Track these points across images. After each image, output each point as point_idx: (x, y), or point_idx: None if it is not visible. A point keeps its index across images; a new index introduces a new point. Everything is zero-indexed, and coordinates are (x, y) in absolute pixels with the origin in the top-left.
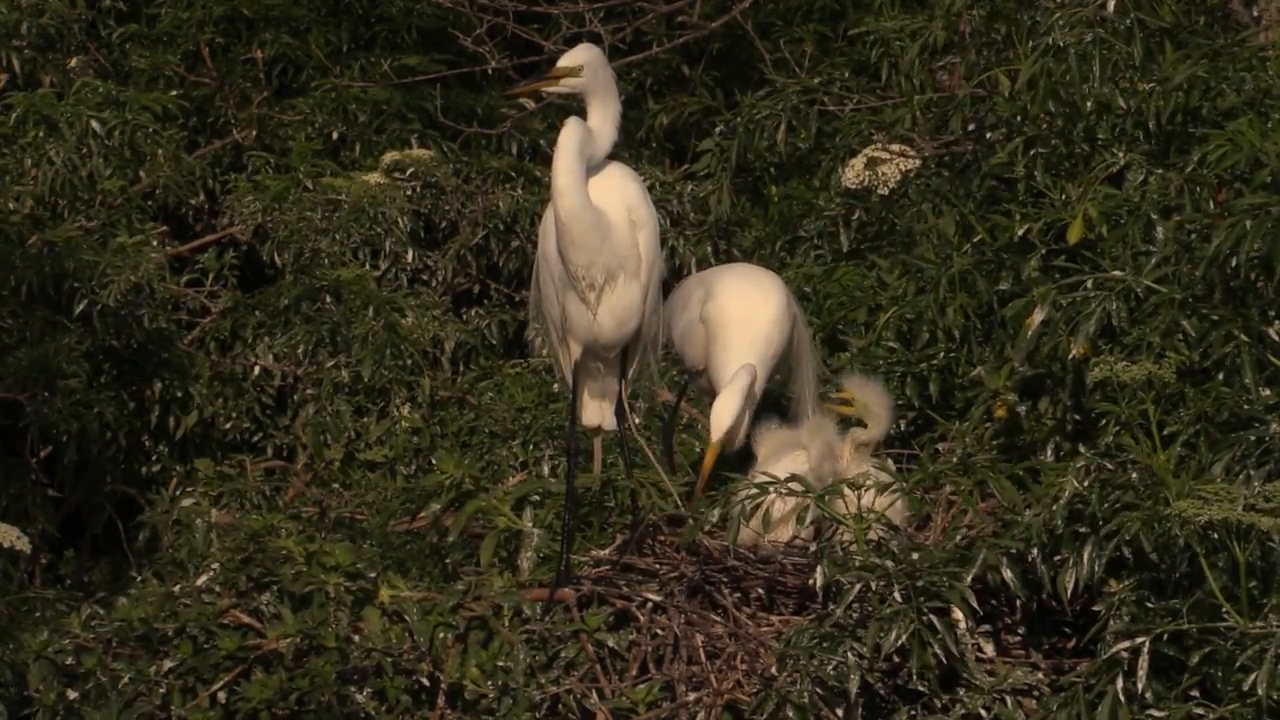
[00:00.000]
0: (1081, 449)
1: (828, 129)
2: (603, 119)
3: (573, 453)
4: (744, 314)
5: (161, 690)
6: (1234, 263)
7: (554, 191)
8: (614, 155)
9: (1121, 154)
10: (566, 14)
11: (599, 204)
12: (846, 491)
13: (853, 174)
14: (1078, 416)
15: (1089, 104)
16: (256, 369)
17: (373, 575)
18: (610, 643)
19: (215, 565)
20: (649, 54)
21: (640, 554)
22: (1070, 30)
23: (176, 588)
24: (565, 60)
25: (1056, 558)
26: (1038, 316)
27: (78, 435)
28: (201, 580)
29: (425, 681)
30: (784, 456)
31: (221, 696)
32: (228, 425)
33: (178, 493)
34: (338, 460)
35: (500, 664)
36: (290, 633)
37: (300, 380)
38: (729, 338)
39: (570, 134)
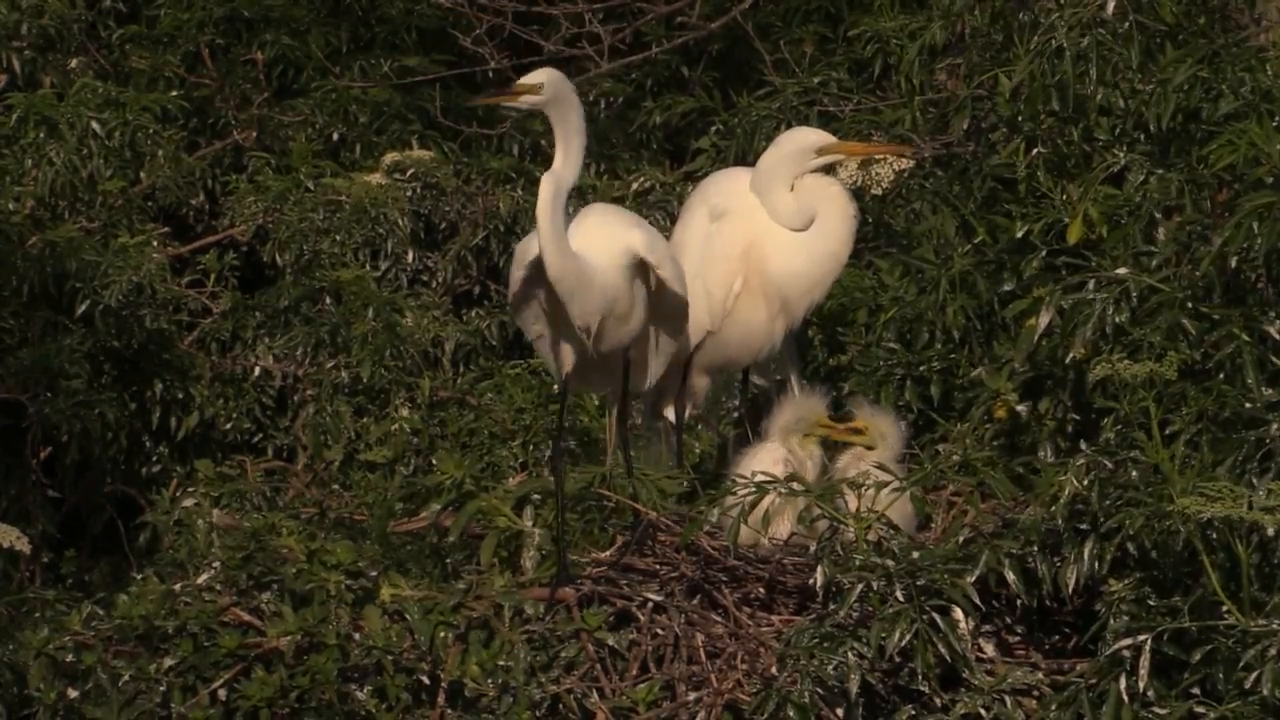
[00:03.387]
0: (1083, 445)
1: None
2: (566, 146)
3: (558, 454)
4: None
5: (162, 689)
6: (1234, 262)
7: (542, 252)
8: (613, 156)
9: (1122, 154)
10: (566, 15)
11: (587, 248)
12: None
13: (846, 174)
14: (1077, 417)
15: (1086, 105)
16: (257, 370)
17: (374, 574)
18: (610, 642)
19: (216, 564)
20: (648, 54)
21: (641, 554)
22: (1069, 32)
23: (178, 586)
24: (527, 78)
25: (1056, 558)
26: (1043, 319)
27: (79, 436)
28: (202, 579)
29: (426, 680)
30: (755, 455)
31: (222, 694)
32: (228, 426)
33: (178, 494)
34: (337, 461)
35: (501, 663)
36: (291, 630)
37: (300, 381)
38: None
39: (546, 192)
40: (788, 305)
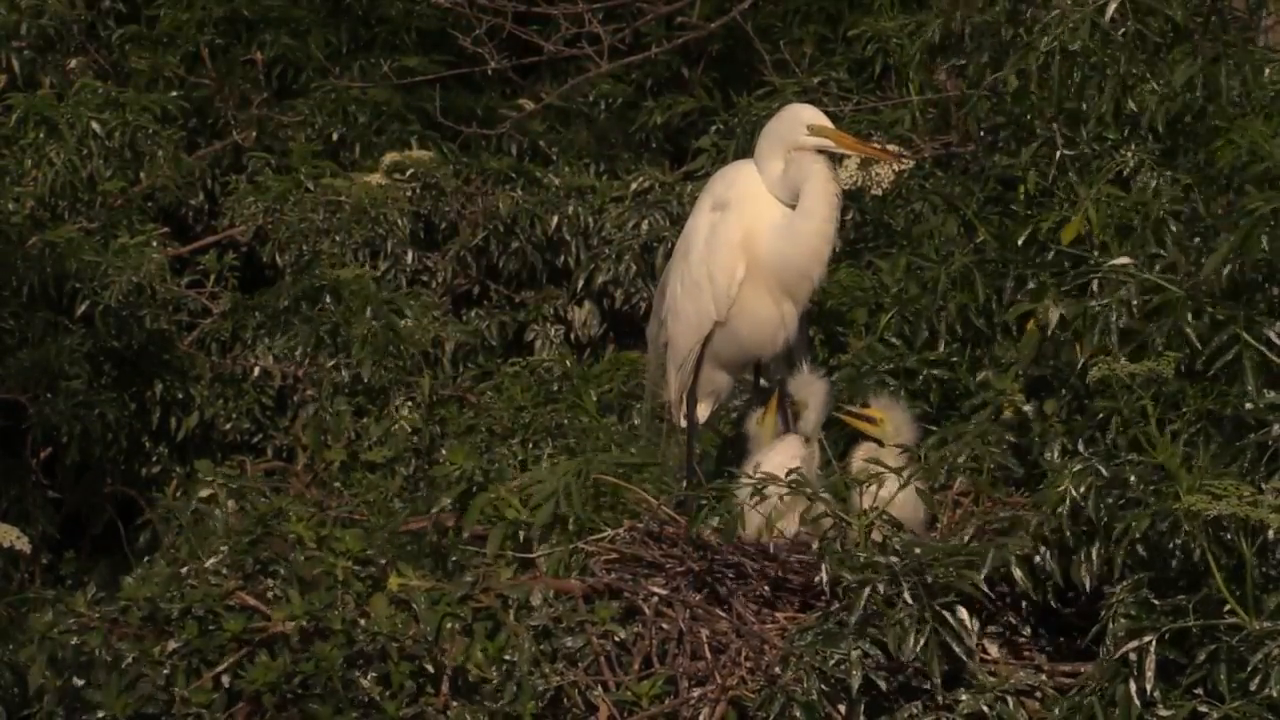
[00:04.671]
0: (1080, 448)
1: None
2: None
3: None
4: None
5: (165, 671)
6: (1240, 265)
7: None
8: (613, 156)
9: (1129, 155)
10: (566, 15)
11: None
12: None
13: (846, 174)
14: (1079, 417)
15: (1088, 107)
16: (256, 370)
17: (382, 562)
18: (620, 634)
19: (223, 548)
20: (648, 54)
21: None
22: (1071, 33)
23: (184, 569)
24: None
25: (1064, 557)
26: (1053, 318)
27: (79, 436)
28: (210, 562)
29: (430, 668)
30: (770, 450)
31: (225, 679)
32: (228, 426)
33: (180, 494)
34: (338, 461)
35: (506, 656)
36: (296, 615)
37: (300, 381)
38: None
39: None
40: (787, 289)
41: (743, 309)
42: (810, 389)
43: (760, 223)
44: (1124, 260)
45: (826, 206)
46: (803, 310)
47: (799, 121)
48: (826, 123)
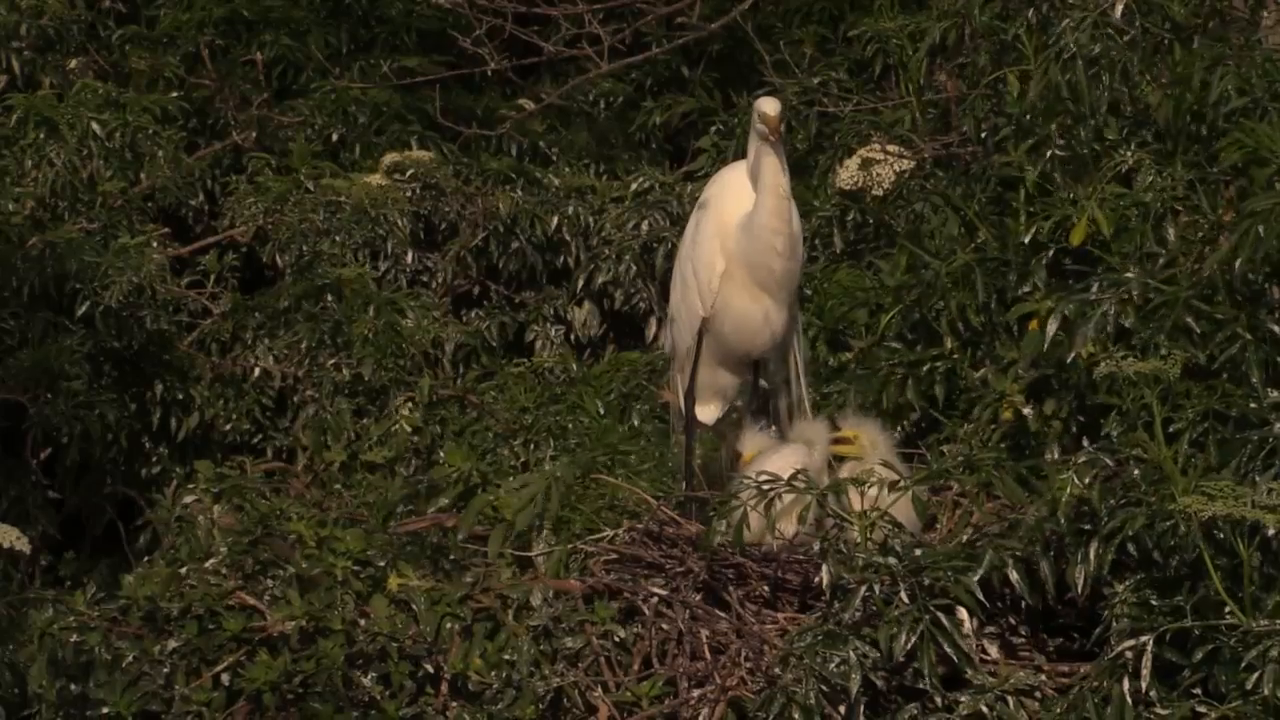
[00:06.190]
0: (1085, 444)
1: (827, 130)
2: None
3: None
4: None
5: (165, 670)
6: (1239, 264)
7: None
8: (613, 156)
9: (1130, 154)
10: (566, 15)
11: None
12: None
13: (847, 175)
14: (1081, 418)
15: (1096, 107)
16: (257, 370)
17: (382, 563)
18: (620, 634)
19: (223, 548)
20: (648, 55)
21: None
22: (1077, 35)
23: (184, 569)
24: None
25: (1061, 559)
26: (1052, 326)
27: (79, 437)
28: (209, 563)
29: (430, 668)
30: (774, 455)
31: (225, 678)
32: (228, 427)
33: (177, 493)
34: (338, 461)
35: (505, 656)
36: (296, 615)
37: (300, 381)
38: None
39: None
40: (758, 282)
41: (726, 304)
42: (815, 433)
43: (732, 216)
44: (1129, 275)
45: (774, 198)
46: (788, 307)
47: (755, 109)
48: (771, 113)
